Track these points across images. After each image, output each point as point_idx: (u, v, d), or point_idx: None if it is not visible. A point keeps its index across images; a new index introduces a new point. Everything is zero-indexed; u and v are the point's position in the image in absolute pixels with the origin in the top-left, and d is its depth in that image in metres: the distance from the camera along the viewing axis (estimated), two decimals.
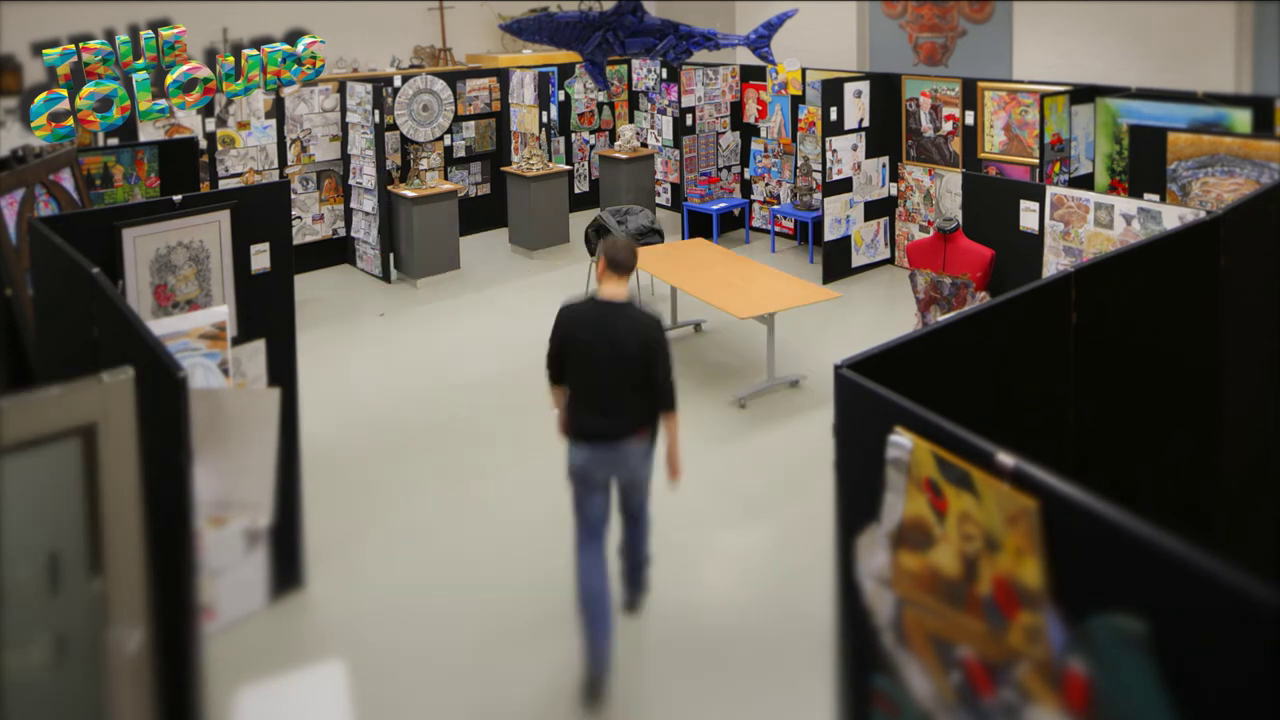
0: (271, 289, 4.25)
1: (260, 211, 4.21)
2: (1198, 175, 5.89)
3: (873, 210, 8.82)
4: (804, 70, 9.45)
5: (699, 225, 9.84)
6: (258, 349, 4.19)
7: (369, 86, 8.65)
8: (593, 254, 3.82)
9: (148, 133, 7.31)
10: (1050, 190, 5.38)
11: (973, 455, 1.55)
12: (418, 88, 9.29)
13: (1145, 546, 1.29)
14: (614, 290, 3.78)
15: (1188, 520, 2.82)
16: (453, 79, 9.92)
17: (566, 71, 11.03)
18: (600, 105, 11.36)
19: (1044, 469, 1.46)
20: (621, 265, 3.80)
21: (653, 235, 7.61)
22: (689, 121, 9.90)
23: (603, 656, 3.57)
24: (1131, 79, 8.21)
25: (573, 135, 11.12)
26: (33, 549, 1.79)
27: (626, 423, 3.68)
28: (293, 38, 8.67)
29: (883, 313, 7.71)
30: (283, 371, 4.26)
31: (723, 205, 9.71)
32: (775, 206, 9.72)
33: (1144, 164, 6.18)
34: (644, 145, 10.79)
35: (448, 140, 9.96)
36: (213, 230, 4.05)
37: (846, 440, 1.89)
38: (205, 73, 7.30)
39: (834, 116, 8.43)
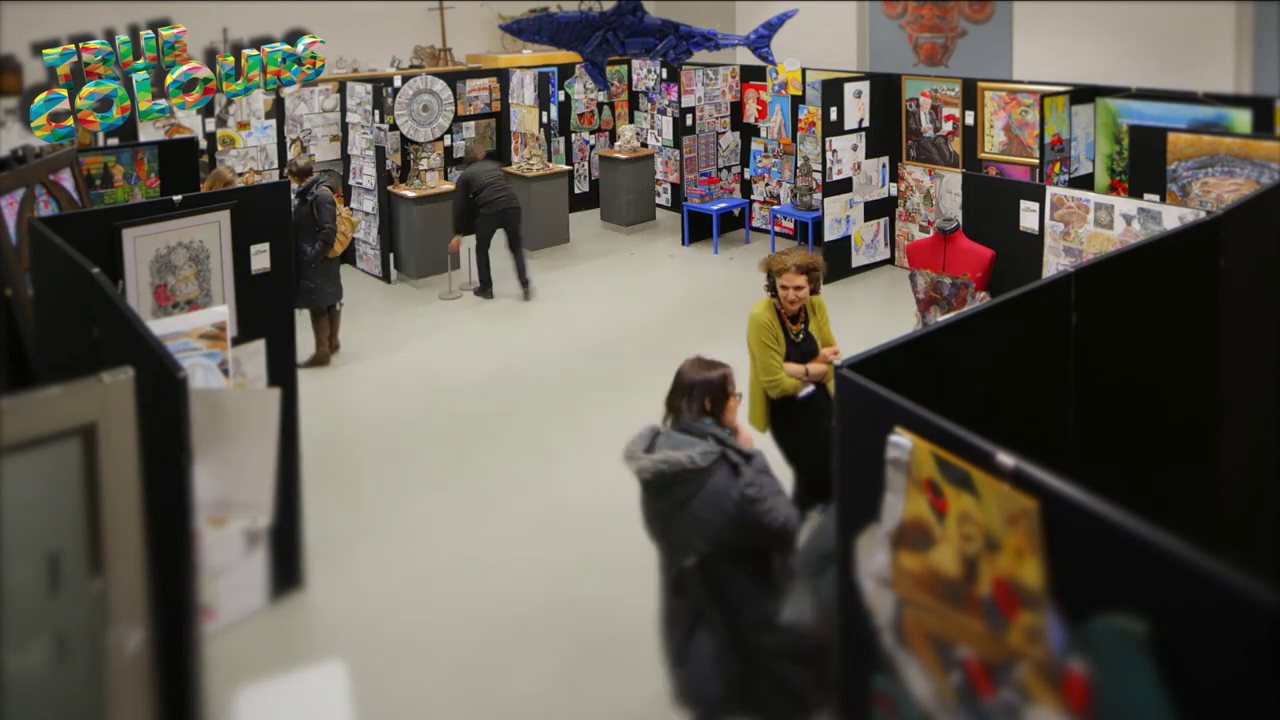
0: (271, 289, 4.25)
1: (260, 211, 4.22)
2: (1198, 175, 5.89)
3: (873, 210, 8.82)
4: (804, 70, 9.44)
5: (699, 225, 9.85)
6: (258, 349, 4.20)
7: (369, 86, 8.65)
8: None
9: (148, 133, 7.32)
10: (1050, 190, 5.37)
11: (973, 455, 1.55)
12: (418, 88, 9.29)
13: (1145, 546, 1.28)
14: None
15: (1188, 520, 2.82)
16: (453, 79, 9.92)
17: (566, 72, 11.03)
18: (600, 105, 11.36)
19: (1044, 469, 1.46)
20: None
21: None
22: (689, 121, 9.89)
23: None
24: (1131, 79, 8.21)
25: (573, 135, 11.12)
26: (33, 549, 1.79)
27: None
28: (293, 38, 8.67)
29: (883, 313, 7.70)
30: (283, 371, 4.26)
31: (723, 205, 9.71)
32: (775, 206, 9.72)
33: (1144, 164, 6.17)
34: (644, 145, 10.79)
35: (448, 140, 9.95)
36: (213, 230, 4.05)
37: (846, 440, 1.88)
38: (205, 73, 7.30)
39: (834, 116, 8.43)
